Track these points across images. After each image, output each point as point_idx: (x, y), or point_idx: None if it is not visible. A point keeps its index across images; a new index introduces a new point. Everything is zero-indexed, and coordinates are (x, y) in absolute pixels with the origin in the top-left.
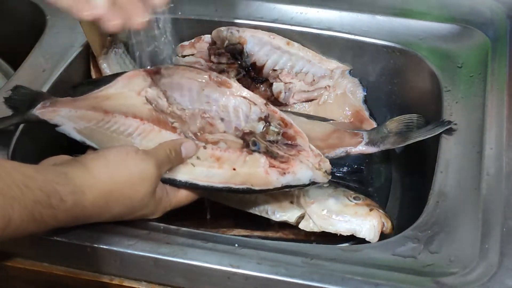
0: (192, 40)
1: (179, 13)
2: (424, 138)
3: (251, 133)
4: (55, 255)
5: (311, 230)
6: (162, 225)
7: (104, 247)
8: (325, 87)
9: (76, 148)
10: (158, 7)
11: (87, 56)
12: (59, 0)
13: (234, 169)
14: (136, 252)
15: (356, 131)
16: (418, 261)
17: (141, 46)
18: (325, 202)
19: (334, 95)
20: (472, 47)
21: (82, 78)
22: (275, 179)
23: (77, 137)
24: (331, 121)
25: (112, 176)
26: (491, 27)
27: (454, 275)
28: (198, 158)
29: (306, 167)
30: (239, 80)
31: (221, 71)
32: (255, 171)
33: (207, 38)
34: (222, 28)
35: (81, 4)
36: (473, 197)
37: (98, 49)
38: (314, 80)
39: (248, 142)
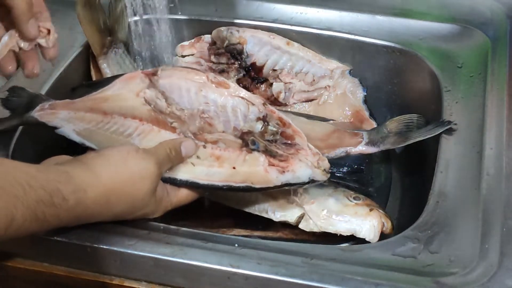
0: (192, 40)
1: (179, 13)
2: (424, 138)
3: (250, 132)
4: (55, 255)
5: (311, 230)
6: (162, 225)
7: (104, 247)
8: (325, 87)
9: (76, 148)
10: (50, 59)
11: (87, 56)
12: None
13: (234, 168)
14: (136, 252)
15: (356, 131)
16: (418, 261)
17: (141, 46)
18: (325, 202)
19: (334, 95)
20: (472, 47)
21: (82, 78)
22: (274, 177)
23: (77, 138)
24: (331, 121)
25: (113, 175)
26: (491, 27)
27: (454, 275)
28: (198, 157)
29: (305, 166)
30: (239, 80)
31: (221, 71)
32: (255, 170)
33: (207, 38)
34: (222, 28)
35: None
36: (473, 197)
37: (98, 49)
38: (314, 80)
39: (247, 141)
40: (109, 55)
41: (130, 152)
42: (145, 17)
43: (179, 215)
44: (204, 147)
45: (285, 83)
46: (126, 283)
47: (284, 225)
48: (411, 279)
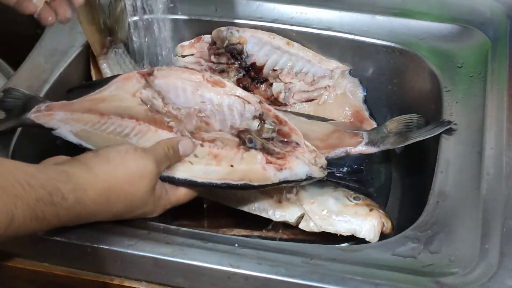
0: (192, 40)
1: (179, 13)
2: (424, 138)
3: (247, 130)
4: (55, 255)
5: (311, 230)
6: (162, 225)
7: (104, 247)
8: (325, 87)
9: (75, 149)
10: (77, 5)
11: (87, 56)
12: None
13: (231, 166)
14: (136, 252)
15: (356, 131)
16: (418, 261)
17: (141, 46)
18: (325, 202)
19: (334, 95)
20: (472, 47)
21: (82, 78)
22: (272, 175)
23: (74, 140)
24: (331, 121)
25: (112, 173)
26: (491, 27)
27: (454, 275)
28: (196, 156)
29: (302, 163)
30: (239, 80)
31: (221, 71)
32: (253, 167)
33: (207, 38)
34: (222, 28)
35: (26, 3)
36: (473, 197)
37: (98, 49)
38: (314, 80)
39: (244, 139)
40: (109, 55)
41: (129, 151)
42: (145, 17)
43: (179, 215)
44: (202, 145)
45: (285, 83)
46: (126, 283)
47: (284, 225)
48: (411, 279)
